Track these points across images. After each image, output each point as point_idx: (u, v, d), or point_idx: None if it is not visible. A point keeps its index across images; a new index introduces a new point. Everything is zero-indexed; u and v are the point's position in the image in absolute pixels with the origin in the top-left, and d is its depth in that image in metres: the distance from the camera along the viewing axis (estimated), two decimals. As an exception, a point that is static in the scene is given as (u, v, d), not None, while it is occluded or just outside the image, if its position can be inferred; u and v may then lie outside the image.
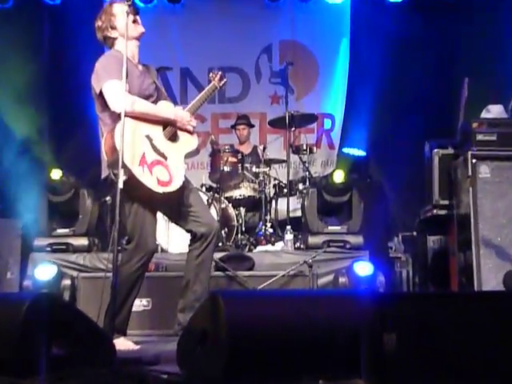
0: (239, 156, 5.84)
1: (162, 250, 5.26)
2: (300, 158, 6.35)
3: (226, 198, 5.86)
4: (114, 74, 3.25)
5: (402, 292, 5.08)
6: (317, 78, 7.81)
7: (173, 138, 3.45)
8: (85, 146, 6.74)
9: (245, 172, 5.89)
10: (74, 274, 4.77)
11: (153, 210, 3.45)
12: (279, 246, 5.41)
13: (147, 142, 3.30)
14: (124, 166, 3.08)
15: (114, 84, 3.24)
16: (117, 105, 3.21)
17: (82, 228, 5.25)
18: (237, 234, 5.69)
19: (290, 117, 5.92)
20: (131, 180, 3.12)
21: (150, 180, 3.20)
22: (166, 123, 3.44)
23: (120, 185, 2.92)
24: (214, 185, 5.98)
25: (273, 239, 5.58)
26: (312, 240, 5.18)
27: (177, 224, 3.68)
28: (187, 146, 3.53)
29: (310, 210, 5.29)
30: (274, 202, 6.07)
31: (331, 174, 5.38)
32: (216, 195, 5.73)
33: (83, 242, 5.20)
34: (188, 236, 3.68)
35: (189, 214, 3.50)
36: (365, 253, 4.95)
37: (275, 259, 4.98)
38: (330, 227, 5.25)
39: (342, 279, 4.63)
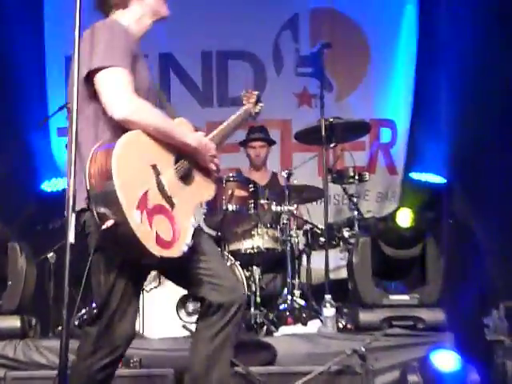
0: (251, 188, 5.88)
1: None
2: (344, 188, 6.40)
3: (232, 253, 5.90)
4: (120, 58, 3.18)
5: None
6: (367, 67, 7.89)
7: (185, 177, 3.40)
8: (14, 174, 6.85)
9: (260, 212, 5.94)
10: (1, 372, 4.78)
11: (139, 276, 3.43)
12: (314, 326, 5.42)
13: (153, 175, 3.21)
14: (116, 205, 3.00)
15: (119, 74, 3.18)
16: (121, 107, 3.16)
17: (11, 301, 5.24)
18: (249, 307, 5.71)
19: (328, 126, 5.98)
20: (120, 229, 3.05)
21: (146, 234, 3.07)
22: (181, 152, 3.40)
23: (71, 238, 2.93)
24: (213, 232, 6.01)
25: (304, 316, 5.60)
26: (365, 317, 5.16)
27: (184, 287, 3.63)
28: (201, 193, 3.53)
29: (360, 270, 5.29)
30: (304, 257, 6.10)
31: (393, 213, 5.39)
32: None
33: (13, 322, 5.19)
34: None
35: (201, 274, 3.41)
36: (448, 336, 4.94)
37: (308, 348, 4.97)
38: (392, 297, 5.23)
39: (412, 377, 4.59)
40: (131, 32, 3.40)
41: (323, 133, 5.95)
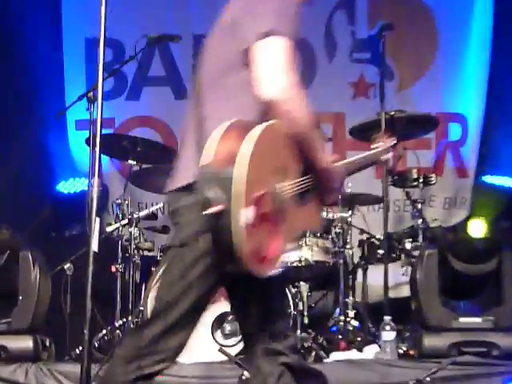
0: (298, 191, 5.89)
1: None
2: (407, 193, 6.39)
3: (276, 266, 5.89)
4: (288, 28, 3.13)
5: None
6: (435, 53, 7.86)
7: (302, 195, 3.30)
8: (27, 173, 6.92)
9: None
10: (10, 401, 4.85)
11: (215, 286, 3.36)
12: (371, 351, 5.41)
13: (277, 179, 3.11)
14: (228, 194, 2.88)
15: (286, 47, 3.10)
16: (277, 88, 3.03)
17: (22, 319, 5.29)
18: (295, 329, 5.69)
19: (388, 120, 5.96)
20: (220, 221, 2.94)
21: (245, 239, 2.95)
22: (308, 167, 3.29)
23: (94, 246, 2.95)
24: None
25: (359, 340, 5.61)
26: (430, 342, 5.15)
27: (241, 320, 3.62)
28: (307, 221, 3.46)
29: (425, 288, 5.27)
30: (360, 272, 6.10)
31: (464, 222, 5.39)
32: (257, 261, 5.77)
33: (25, 343, 5.23)
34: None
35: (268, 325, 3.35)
36: (526, 365, 4.91)
37: (364, 376, 4.97)
38: (462, 319, 5.21)
39: (485, 413, 4.61)
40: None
41: (383, 128, 5.88)
